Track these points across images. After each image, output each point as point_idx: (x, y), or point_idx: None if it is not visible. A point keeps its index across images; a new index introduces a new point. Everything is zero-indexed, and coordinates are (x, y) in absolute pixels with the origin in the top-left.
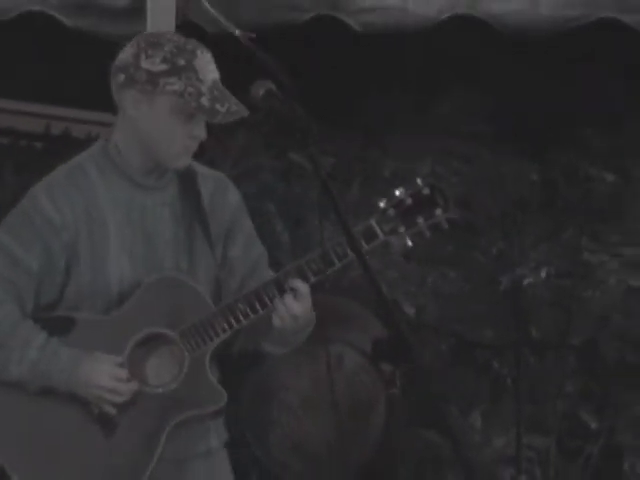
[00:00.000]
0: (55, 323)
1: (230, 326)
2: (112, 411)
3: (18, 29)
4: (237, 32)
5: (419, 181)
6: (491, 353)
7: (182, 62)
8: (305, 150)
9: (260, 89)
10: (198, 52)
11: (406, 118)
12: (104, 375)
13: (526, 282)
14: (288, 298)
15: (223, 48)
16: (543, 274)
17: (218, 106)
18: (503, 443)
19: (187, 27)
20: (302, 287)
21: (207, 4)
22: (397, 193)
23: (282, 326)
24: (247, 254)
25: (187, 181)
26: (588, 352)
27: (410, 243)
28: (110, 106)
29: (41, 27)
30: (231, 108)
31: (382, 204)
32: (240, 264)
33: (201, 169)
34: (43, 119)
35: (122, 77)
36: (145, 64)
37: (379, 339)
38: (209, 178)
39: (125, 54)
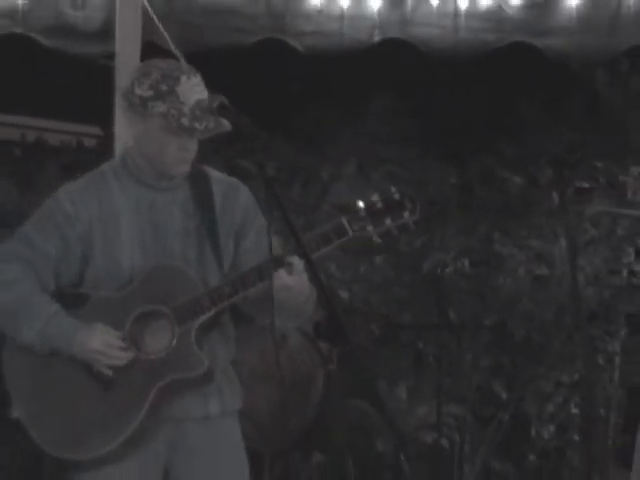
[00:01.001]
0: (72, 298)
1: (214, 305)
2: (108, 372)
3: (1, 49)
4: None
5: (392, 189)
6: (415, 333)
7: (165, 88)
8: (252, 156)
9: (214, 102)
10: (183, 78)
11: (342, 128)
12: (97, 341)
13: (445, 271)
14: (281, 271)
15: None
16: (460, 264)
17: (197, 124)
18: (425, 412)
19: (150, 48)
20: (296, 262)
21: (162, 30)
22: (372, 198)
23: (278, 297)
24: (258, 246)
25: (200, 184)
26: (499, 332)
27: (379, 240)
28: (80, 117)
29: (22, 47)
30: (209, 126)
31: (358, 205)
32: (251, 255)
33: (215, 174)
34: (19, 129)
35: (124, 102)
36: (137, 90)
37: (318, 322)
38: (222, 182)
39: (126, 82)
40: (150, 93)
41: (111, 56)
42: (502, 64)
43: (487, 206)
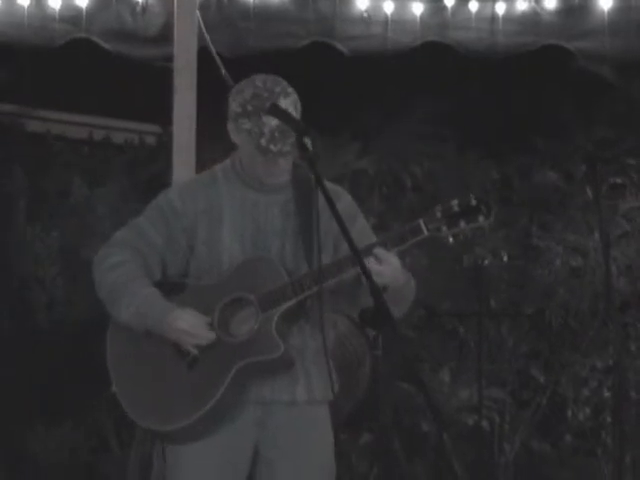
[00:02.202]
0: (172, 286)
1: (296, 294)
2: (194, 351)
3: (66, 54)
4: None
5: (471, 195)
6: (457, 321)
7: (250, 108)
8: (305, 155)
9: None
10: (272, 98)
11: (386, 127)
12: (185, 322)
13: (486, 262)
14: (370, 260)
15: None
16: (500, 255)
17: (272, 146)
18: (467, 395)
19: (205, 52)
20: (382, 253)
21: (206, 34)
22: (451, 202)
23: (379, 281)
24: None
25: (303, 188)
26: (537, 320)
27: (451, 240)
28: (143, 116)
29: (85, 51)
30: (283, 149)
31: (436, 208)
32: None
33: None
34: (87, 127)
35: (227, 113)
36: (232, 105)
37: (365, 309)
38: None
39: (230, 97)
40: (239, 110)
41: (169, 59)
42: (537, 65)
43: (525, 201)
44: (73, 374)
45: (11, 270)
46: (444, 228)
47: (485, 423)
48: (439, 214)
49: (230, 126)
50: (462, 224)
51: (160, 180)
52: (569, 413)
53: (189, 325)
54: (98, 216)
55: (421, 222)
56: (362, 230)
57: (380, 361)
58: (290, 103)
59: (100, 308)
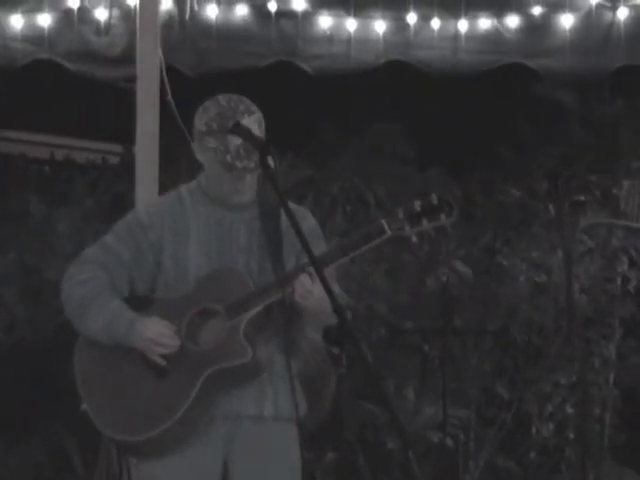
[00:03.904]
0: (139, 301)
1: (262, 300)
2: (162, 362)
3: (28, 74)
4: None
5: (432, 195)
6: (421, 338)
7: (215, 126)
8: (266, 173)
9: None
10: (236, 117)
11: (348, 144)
12: (151, 330)
13: (450, 279)
14: (303, 276)
15: (203, 88)
16: (464, 272)
17: (237, 163)
18: (432, 412)
19: (171, 71)
20: (310, 277)
21: (161, 54)
22: (413, 203)
23: (302, 302)
24: None
25: (270, 207)
26: (502, 336)
27: (414, 239)
28: (105, 136)
29: (48, 71)
30: (249, 165)
31: (398, 209)
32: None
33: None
34: (48, 147)
35: (192, 133)
36: (197, 124)
37: (329, 327)
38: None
39: (195, 116)
40: (205, 128)
41: (132, 79)
42: (499, 83)
43: (488, 218)
44: (35, 394)
45: None
46: (407, 227)
47: (450, 441)
48: (401, 214)
49: (195, 145)
50: (424, 222)
51: (123, 200)
52: (533, 430)
53: (156, 333)
54: (59, 236)
55: (383, 222)
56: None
57: (344, 379)
58: (254, 121)
59: (64, 327)
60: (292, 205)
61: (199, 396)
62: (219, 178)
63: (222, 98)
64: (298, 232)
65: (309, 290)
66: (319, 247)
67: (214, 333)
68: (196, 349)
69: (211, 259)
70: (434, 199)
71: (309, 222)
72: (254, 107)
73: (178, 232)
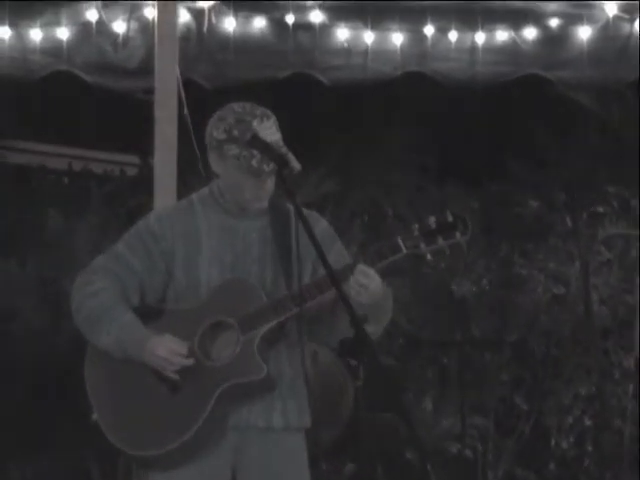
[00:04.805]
0: (150, 312)
1: (277, 315)
2: (175, 377)
3: (47, 86)
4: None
5: (447, 212)
6: (440, 349)
7: (237, 132)
8: (283, 185)
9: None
10: (255, 122)
11: (364, 154)
12: (163, 349)
13: (468, 291)
14: (357, 273)
15: (220, 100)
16: (482, 284)
17: (265, 166)
18: (450, 423)
19: (189, 84)
20: (366, 269)
21: (179, 67)
22: (428, 220)
23: (357, 296)
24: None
25: (280, 215)
26: (520, 347)
27: (429, 257)
28: (123, 148)
29: (66, 83)
30: (274, 168)
31: (414, 226)
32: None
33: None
34: (66, 158)
35: (207, 143)
36: (214, 133)
37: (346, 339)
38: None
39: (208, 126)
40: (224, 136)
41: (150, 91)
42: (516, 95)
43: (506, 230)
44: (54, 405)
45: None
46: (422, 245)
47: (468, 451)
48: (417, 232)
49: (212, 155)
50: (440, 240)
51: (141, 212)
52: (552, 441)
53: (168, 352)
54: (76, 247)
55: (399, 240)
56: (340, 252)
57: (361, 391)
58: (271, 124)
59: (82, 338)
60: (304, 210)
61: (213, 411)
62: (239, 185)
63: (235, 105)
64: (312, 238)
65: (364, 285)
66: (334, 247)
67: (227, 347)
68: (210, 365)
69: (223, 269)
70: (449, 216)
71: (321, 224)
72: (268, 111)
73: (190, 242)
